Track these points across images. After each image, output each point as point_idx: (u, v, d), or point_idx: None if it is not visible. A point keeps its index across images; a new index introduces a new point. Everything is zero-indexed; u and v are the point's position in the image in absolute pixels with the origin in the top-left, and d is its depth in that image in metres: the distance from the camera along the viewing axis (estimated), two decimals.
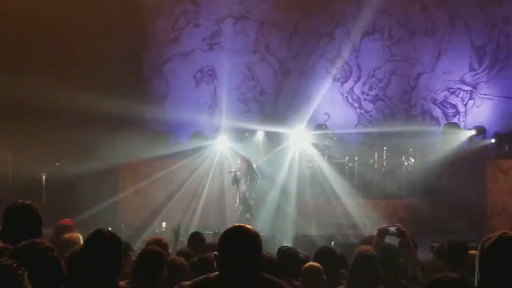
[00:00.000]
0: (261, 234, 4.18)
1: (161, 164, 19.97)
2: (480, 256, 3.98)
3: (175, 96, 22.31)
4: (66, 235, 7.84)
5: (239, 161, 16.89)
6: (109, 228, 5.30)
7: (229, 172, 16.94)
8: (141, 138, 21.17)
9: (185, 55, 22.28)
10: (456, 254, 7.14)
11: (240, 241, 4.11)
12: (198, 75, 22.26)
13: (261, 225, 16.73)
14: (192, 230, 12.12)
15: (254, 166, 16.99)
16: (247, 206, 16.66)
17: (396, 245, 7.43)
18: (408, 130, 20.22)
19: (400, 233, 7.47)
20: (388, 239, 7.65)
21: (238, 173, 16.63)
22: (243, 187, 16.63)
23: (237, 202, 16.81)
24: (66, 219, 9.52)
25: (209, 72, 22.17)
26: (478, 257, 4.00)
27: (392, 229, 7.54)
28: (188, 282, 5.21)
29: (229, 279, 4.10)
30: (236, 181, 16.64)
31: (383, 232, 7.57)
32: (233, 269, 4.08)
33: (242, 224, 4.27)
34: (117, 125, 19.96)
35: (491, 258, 3.92)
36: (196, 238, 9.84)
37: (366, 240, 8.57)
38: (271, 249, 8.84)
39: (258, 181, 16.90)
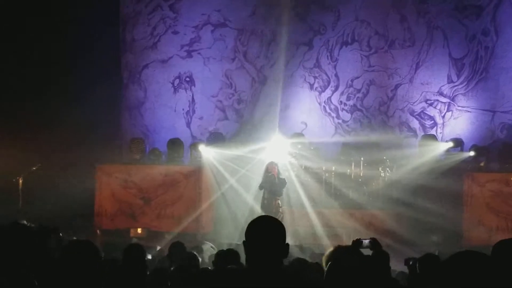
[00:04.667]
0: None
1: (137, 169, 19.87)
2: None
3: (153, 103, 22.23)
4: None
5: (271, 166, 16.68)
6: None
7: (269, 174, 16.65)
8: (117, 144, 21.15)
9: (163, 62, 22.20)
10: (429, 269, 7.08)
11: (264, 229, 4.51)
12: (176, 81, 22.17)
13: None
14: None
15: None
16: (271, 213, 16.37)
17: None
18: (385, 141, 20.23)
19: (373, 246, 7.40)
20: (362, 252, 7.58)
21: (268, 178, 16.48)
22: (270, 194, 16.46)
23: (260, 209, 16.60)
24: None
25: (187, 79, 22.08)
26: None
27: (366, 241, 7.48)
28: None
29: (255, 265, 4.45)
30: (267, 185, 16.46)
31: (357, 244, 7.50)
32: (258, 256, 4.44)
33: (266, 215, 4.61)
34: (94, 130, 19.93)
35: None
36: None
37: (338, 251, 8.48)
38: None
39: (284, 189, 16.79)
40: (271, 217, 4.63)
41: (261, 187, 16.60)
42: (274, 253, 4.44)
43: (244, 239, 4.55)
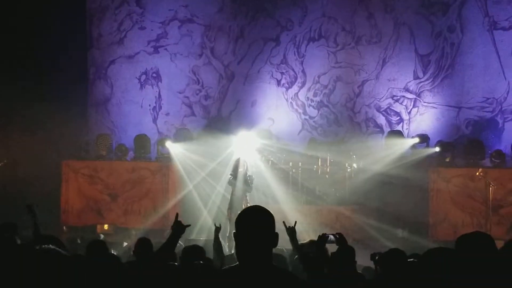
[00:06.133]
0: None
1: (103, 165, 19.80)
2: None
3: (119, 98, 22.16)
4: None
5: (240, 162, 16.55)
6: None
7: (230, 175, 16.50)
8: (84, 140, 21.05)
9: (130, 57, 22.14)
10: (394, 264, 7.11)
11: (253, 217, 4.53)
12: (143, 77, 22.12)
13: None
14: None
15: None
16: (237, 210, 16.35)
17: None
18: (351, 137, 20.33)
19: (339, 241, 7.43)
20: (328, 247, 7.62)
21: (238, 174, 16.36)
22: (239, 190, 16.36)
23: (229, 205, 16.50)
24: None
25: (154, 75, 22.03)
26: None
27: (332, 236, 7.51)
28: None
29: (243, 253, 4.47)
30: (237, 181, 16.36)
31: (323, 239, 7.53)
32: (247, 244, 4.46)
33: (256, 205, 4.70)
34: (60, 126, 19.79)
35: None
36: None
37: (305, 246, 8.53)
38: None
39: (253, 185, 16.69)
40: (261, 206, 4.63)
41: (230, 182, 16.52)
42: (263, 243, 4.44)
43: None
